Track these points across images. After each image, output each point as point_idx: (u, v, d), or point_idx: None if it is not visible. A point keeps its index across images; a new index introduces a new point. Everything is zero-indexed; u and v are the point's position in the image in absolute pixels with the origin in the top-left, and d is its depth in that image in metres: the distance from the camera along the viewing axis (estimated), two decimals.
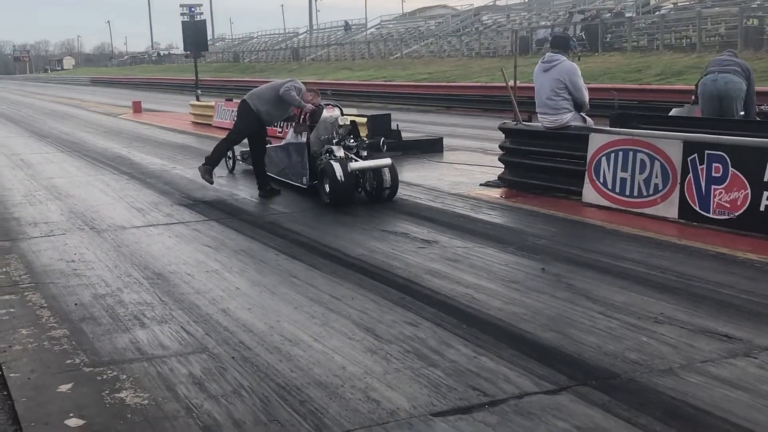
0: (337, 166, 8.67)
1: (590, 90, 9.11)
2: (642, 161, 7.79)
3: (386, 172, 8.94)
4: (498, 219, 8.20)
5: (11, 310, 5.42)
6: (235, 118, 10.37)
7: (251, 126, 9.83)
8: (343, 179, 8.65)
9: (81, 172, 12.63)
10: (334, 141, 9.16)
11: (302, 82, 9.91)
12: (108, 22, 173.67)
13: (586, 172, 8.43)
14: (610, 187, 8.15)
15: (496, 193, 9.43)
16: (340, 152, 9.01)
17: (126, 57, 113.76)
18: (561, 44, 9.12)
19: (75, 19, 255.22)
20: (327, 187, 8.82)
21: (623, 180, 8.00)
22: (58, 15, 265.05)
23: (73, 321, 5.13)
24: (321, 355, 4.41)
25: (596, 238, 7.18)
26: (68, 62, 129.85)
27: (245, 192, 10.12)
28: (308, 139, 9.41)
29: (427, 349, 4.45)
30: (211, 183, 10.02)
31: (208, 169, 9.88)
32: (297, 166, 9.72)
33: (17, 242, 7.56)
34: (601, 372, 4.09)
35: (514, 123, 9.90)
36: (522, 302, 5.26)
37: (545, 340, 4.57)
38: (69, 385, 4.10)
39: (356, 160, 8.95)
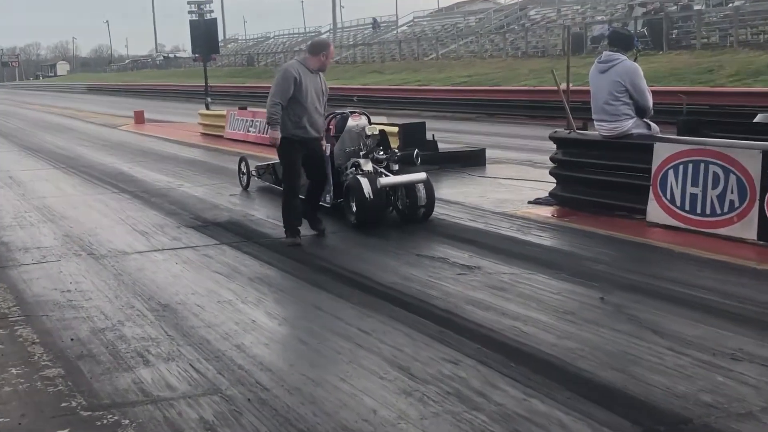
0: (364, 182, 8.70)
1: (654, 93, 9.08)
2: (715, 174, 7.74)
3: (421, 189, 8.95)
4: (549, 241, 8.18)
5: (0, 346, 5.49)
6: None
7: (298, 152, 8.35)
8: (371, 197, 8.67)
9: (77, 190, 12.80)
10: (362, 153, 9.19)
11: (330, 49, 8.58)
12: (107, 22, 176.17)
13: (651, 188, 8.38)
14: (678, 204, 8.11)
15: (546, 212, 9.41)
16: (368, 166, 9.03)
17: (127, 61, 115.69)
18: (621, 42, 9.10)
19: (70, 19, 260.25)
20: (353, 206, 8.85)
21: (693, 196, 7.95)
22: (51, 15, 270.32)
23: (69, 359, 5.18)
24: (348, 397, 4.42)
25: (663, 262, 7.14)
26: (62, 67, 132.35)
27: (261, 212, 10.17)
28: (332, 151, 9.45)
29: (469, 391, 4.44)
30: (299, 240, 8.34)
31: (293, 241, 8.32)
32: None
33: (6, 270, 7.67)
34: (671, 416, 4.05)
35: (567, 131, 9.89)
36: (578, 336, 5.24)
37: (605, 380, 4.54)
38: (65, 431, 4.13)
39: (386, 175, 8.97)
